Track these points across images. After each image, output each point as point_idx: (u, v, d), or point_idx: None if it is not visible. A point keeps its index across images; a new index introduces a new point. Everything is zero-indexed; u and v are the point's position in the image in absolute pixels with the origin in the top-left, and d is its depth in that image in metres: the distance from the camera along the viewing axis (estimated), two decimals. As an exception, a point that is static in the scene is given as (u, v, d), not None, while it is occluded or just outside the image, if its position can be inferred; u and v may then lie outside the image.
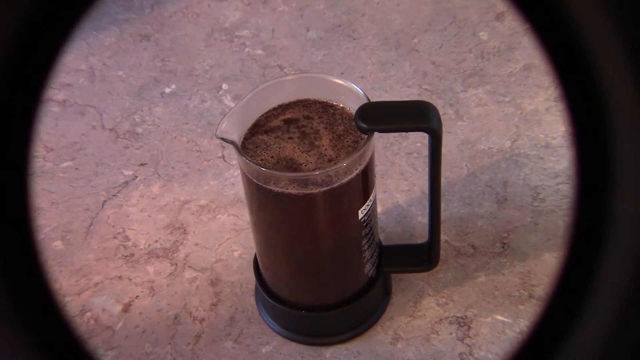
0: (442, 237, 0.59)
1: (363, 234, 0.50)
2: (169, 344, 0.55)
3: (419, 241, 0.59)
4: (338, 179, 0.45)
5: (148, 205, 0.65)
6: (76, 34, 0.20)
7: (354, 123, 0.47)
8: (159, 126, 0.73)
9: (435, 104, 0.47)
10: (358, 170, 0.46)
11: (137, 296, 0.58)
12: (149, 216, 0.64)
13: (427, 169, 0.48)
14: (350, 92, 0.48)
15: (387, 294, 0.56)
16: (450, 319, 0.54)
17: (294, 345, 0.54)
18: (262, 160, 0.46)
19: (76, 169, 0.69)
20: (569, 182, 0.63)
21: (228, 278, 0.59)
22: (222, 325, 0.56)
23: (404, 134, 0.68)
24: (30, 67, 0.19)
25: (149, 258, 0.61)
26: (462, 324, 0.54)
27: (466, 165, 0.65)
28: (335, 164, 0.45)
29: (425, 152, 0.66)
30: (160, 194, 0.66)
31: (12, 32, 0.18)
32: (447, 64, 0.76)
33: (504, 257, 0.58)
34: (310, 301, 0.53)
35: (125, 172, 0.68)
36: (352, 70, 0.76)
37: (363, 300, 0.53)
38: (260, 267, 0.54)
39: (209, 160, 0.69)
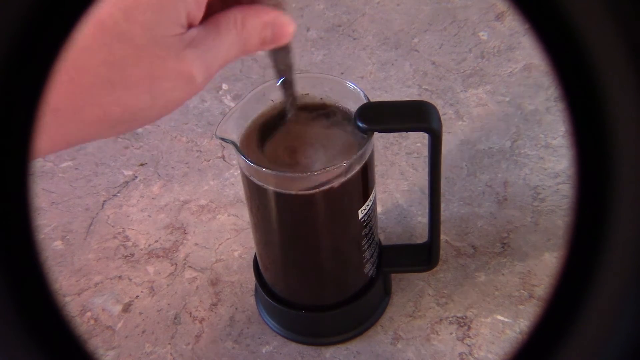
0: (442, 237, 0.59)
1: (363, 234, 0.50)
2: (169, 344, 0.55)
3: (419, 241, 0.59)
4: (338, 178, 0.45)
5: (148, 205, 0.65)
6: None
7: (354, 123, 0.47)
8: (159, 126, 0.72)
9: (435, 104, 0.47)
10: (358, 170, 0.46)
11: (137, 296, 0.58)
12: (149, 216, 0.64)
13: (427, 169, 0.48)
14: (350, 92, 0.48)
15: (387, 294, 0.56)
16: (450, 319, 0.54)
17: (294, 345, 0.54)
18: (261, 160, 0.46)
19: (76, 169, 0.69)
20: (569, 182, 0.63)
21: (228, 278, 0.59)
22: (222, 325, 0.56)
23: (404, 134, 0.68)
24: (31, 67, 0.19)
25: (149, 258, 0.61)
26: (462, 324, 0.54)
27: (466, 165, 0.65)
28: (335, 163, 0.45)
29: (425, 152, 0.66)
30: (160, 194, 0.66)
31: (13, 32, 0.18)
32: (447, 64, 0.76)
33: (504, 257, 0.58)
34: (310, 301, 0.53)
35: (125, 172, 0.68)
36: (352, 70, 0.76)
37: (363, 300, 0.53)
38: (260, 267, 0.54)
39: (209, 160, 0.69)
